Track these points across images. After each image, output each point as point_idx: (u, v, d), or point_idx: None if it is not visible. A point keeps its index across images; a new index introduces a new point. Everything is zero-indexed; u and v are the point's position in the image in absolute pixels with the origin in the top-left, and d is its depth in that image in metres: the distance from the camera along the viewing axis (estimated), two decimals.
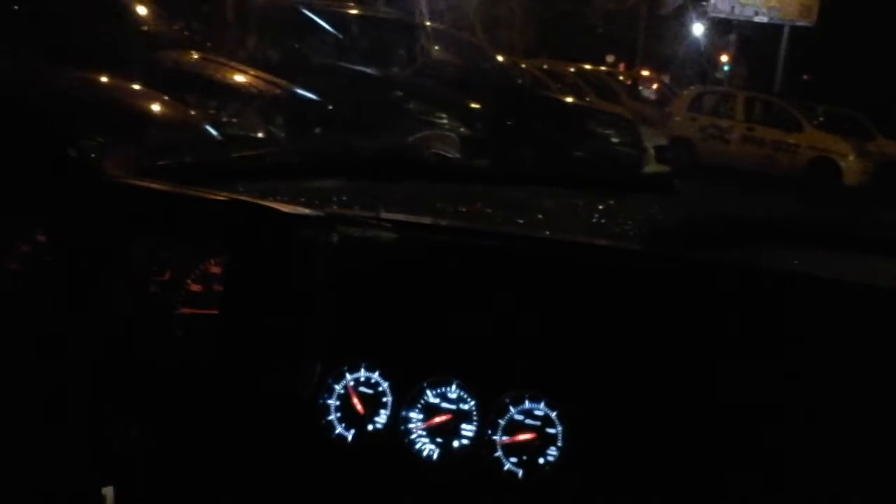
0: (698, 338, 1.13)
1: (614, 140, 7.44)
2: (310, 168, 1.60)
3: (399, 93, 6.21)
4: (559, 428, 1.11)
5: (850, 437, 1.06)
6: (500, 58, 9.59)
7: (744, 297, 1.15)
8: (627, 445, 1.10)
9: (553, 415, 1.12)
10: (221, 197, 1.21)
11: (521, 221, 1.51)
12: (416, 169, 1.56)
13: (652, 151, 7.79)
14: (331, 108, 5.04)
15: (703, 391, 1.11)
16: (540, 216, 1.64)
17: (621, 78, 14.13)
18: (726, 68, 14.90)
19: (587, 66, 13.51)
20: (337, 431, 1.17)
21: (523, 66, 11.01)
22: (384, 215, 1.28)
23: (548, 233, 1.45)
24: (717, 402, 1.10)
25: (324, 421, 1.17)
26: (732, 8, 14.92)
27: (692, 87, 13.73)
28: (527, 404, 1.13)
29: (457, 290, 1.20)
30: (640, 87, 14.00)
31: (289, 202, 1.25)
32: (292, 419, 1.17)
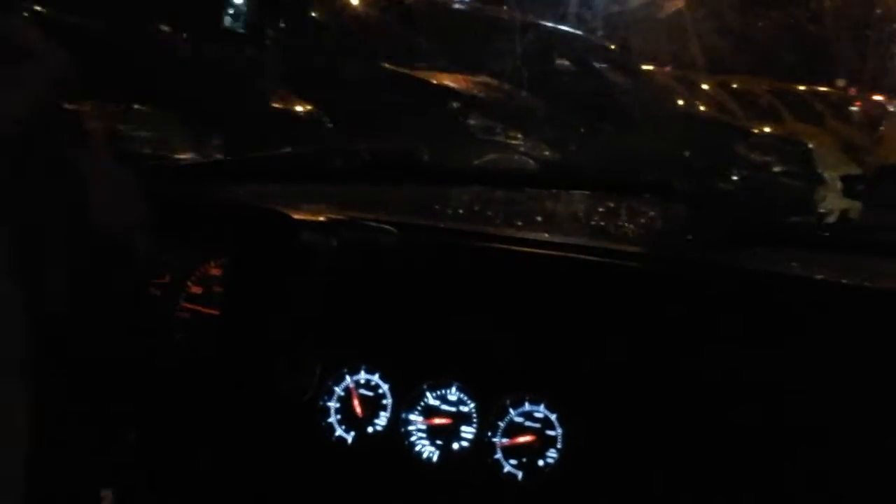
0: (698, 340, 1.13)
1: (777, 168, 6.62)
2: (310, 170, 1.60)
3: (457, 104, 5.58)
4: (559, 430, 1.11)
5: (852, 439, 1.06)
6: (647, 68, 8.80)
7: (744, 300, 1.15)
8: (627, 447, 1.10)
9: (553, 417, 1.12)
10: (222, 199, 1.21)
11: (521, 224, 1.52)
12: (417, 171, 1.56)
13: (837, 183, 6.34)
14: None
15: (703, 393, 1.11)
16: (539, 218, 1.64)
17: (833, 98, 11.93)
18: None
19: (798, 87, 11.64)
20: (337, 433, 1.17)
21: (702, 84, 9.69)
22: (385, 217, 1.28)
23: (547, 235, 1.45)
24: (717, 404, 1.10)
25: (324, 423, 1.17)
26: None
27: None
28: (527, 406, 1.13)
29: (457, 292, 1.20)
30: (853, 109, 11.87)
31: (289, 205, 1.25)
32: (292, 421, 1.17)
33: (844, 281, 1.18)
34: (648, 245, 1.32)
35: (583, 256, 1.26)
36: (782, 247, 1.33)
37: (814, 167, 6.95)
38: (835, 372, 1.08)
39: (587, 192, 1.68)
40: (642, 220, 1.53)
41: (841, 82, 11.36)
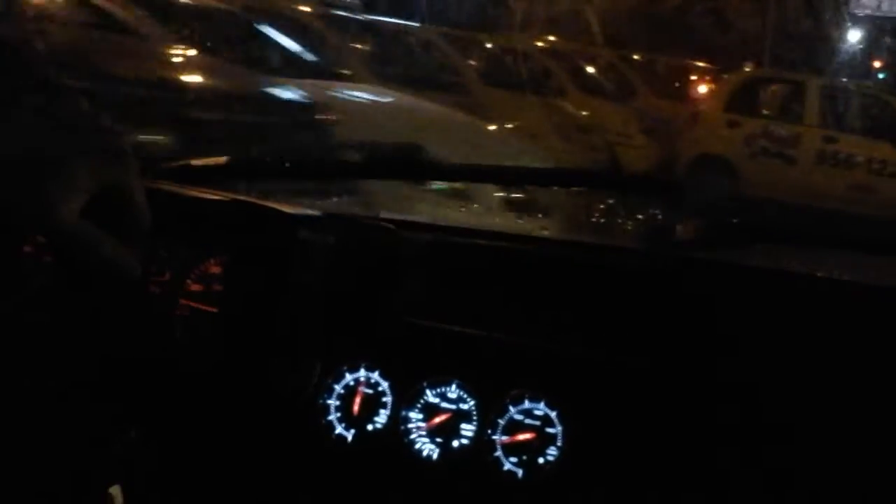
0: (699, 338, 1.13)
1: None
2: (309, 168, 1.60)
3: None
4: (559, 428, 1.11)
5: (852, 439, 1.06)
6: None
7: (745, 298, 1.15)
8: (627, 445, 1.10)
9: (553, 414, 1.12)
10: (221, 197, 1.21)
11: (521, 221, 1.52)
12: (415, 168, 1.56)
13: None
14: None
15: (703, 392, 1.11)
16: (540, 215, 1.65)
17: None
18: (881, 76, 12.14)
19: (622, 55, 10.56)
20: (337, 431, 1.17)
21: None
22: (384, 215, 1.28)
23: (548, 232, 1.45)
24: (717, 402, 1.10)
25: (323, 421, 1.17)
26: (879, 4, 12.10)
27: (732, 73, 9.81)
28: (526, 404, 1.13)
29: (456, 289, 1.20)
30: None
31: (288, 202, 1.25)
32: (292, 419, 1.17)
33: (848, 279, 1.18)
34: (648, 242, 1.32)
35: (583, 254, 1.26)
36: (782, 245, 1.33)
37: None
38: (836, 370, 1.08)
39: (588, 191, 1.69)
40: (643, 218, 1.53)
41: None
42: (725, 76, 9.96)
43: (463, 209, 1.56)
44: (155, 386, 1.15)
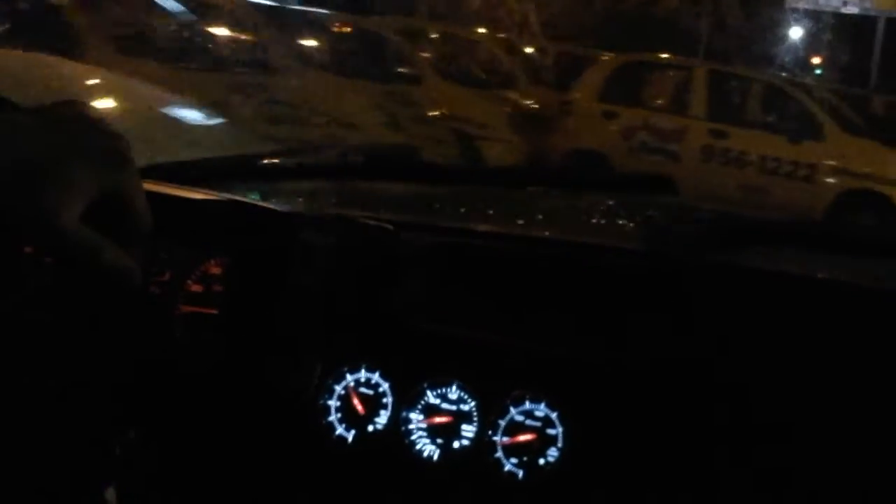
0: (698, 339, 1.13)
1: None
2: (308, 169, 1.60)
3: None
4: (559, 429, 1.11)
5: (852, 440, 1.06)
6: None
7: (744, 299, 1.15)
8: (628, 446, 1.10)
9: (553, 416, 1.12)
10: (221, 198, 1.21)
11: (521, 222, 1.52)
12: (416, 169, 1.56)
13: None
14: None
15: (703, 393, 1.11)
16: (540, 216, 1.65)
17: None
18: (818, 72, 11.88)
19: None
20: (337, 432, 1.17)
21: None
22: (384, 216, 1.28)
23: (547, 233, 1.45)
24: (717, 403, 1.10)
25: (324, 422, 1.17)
26: None
27: (608, 58, 8.76)
28: (527, 405, 1.13)
29: (456, 290, 1.20)
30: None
31: (288, 203, 1.25)
32: (292, 420, 1.17)
33: (847, 280, 1.18)
34: (648, 243, 1.32)
35: (583, 255, 1.26)
36: (782, 246, 1.34)
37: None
38: (835, 372, 1.08)
39: (588, 191, 1.69)
40: (642, 219, 1.53)
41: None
42: (600, 60, 8.80)
43: (463, 209, 1.56)
44: (155, 386, 1.15)
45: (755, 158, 7.17)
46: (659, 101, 8.11)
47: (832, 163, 7.07)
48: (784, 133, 7.31)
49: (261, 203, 1.20)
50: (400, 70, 7.51)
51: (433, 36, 8.61)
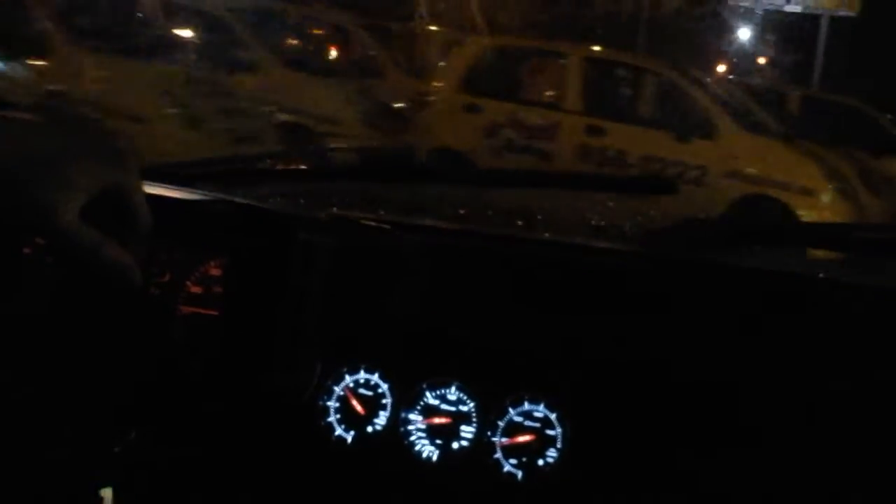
0: (699, 339, 1.13)
1: None
2: (308, 170, 1.60)
3: None
4: (559, 429, 1.11)
5: (852, 441, 1.06)
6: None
7: (743, 299, 1.15)
8: (627, 447, 1.10)
9: (552, 416, 1.12)
10: (221, 198, 1.21)
11: (521, 223, 1.52)
12: (416, 170, 1.56)
13: None
14: None
15: (703, 393, 1.11)
16: (540, 217, 1.65)
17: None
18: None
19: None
20: (337, 433, 1.17)
21: None
22: (384, 216, 1.28)
23: (547, 234, 1.45)
24: (717, 403, 1.10)
25: (323, 422, 1.17)
26: None
27: (468, 43, 7.43)
28: (526, 406, 1.13)
29: (456, 291, 1.20)
30: None
31: (288, 204, 1.25)
32: (292, 421, 1.17)
33: (848, 280, 1.18)
34: (648, 244, 1.32)
35: (582, 255, 1.26)
36: (783, 245, 1.34)
37: None
38: (837, 372, 1.08)
39: (587, 192, 1.68)
40: (642, 220, 1.53)
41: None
42: (460, 46, 7.47)
43: (463, 210, 1.56)
44: (155, 387, 1.15)
45: (636, 159, 6.27)
46: (528, 93, 7.06)
47: (727, 164, 6.20)
48: (672, 130, 6.39)
49: (261, 203, 1.20)
50: (235, 56, 6.35)
51: (282, 18, 7.30)
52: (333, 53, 7.45)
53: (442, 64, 7.33)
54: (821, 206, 5.93)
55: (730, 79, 9.05)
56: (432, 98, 6.87)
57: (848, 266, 1.27)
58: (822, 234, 1.38)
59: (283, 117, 5.92)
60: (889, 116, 8.25)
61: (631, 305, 1.16)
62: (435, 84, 7.00)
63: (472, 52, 7.21)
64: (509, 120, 6.58)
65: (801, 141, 6.52)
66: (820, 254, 1.38)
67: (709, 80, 7.54)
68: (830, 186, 6.09)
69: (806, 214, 5.63)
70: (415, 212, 1.38)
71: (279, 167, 1.57)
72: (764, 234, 1.35)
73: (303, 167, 1.58)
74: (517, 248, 1.27)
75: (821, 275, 1.19)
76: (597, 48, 7.42)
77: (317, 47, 7.44)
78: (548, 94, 7.01)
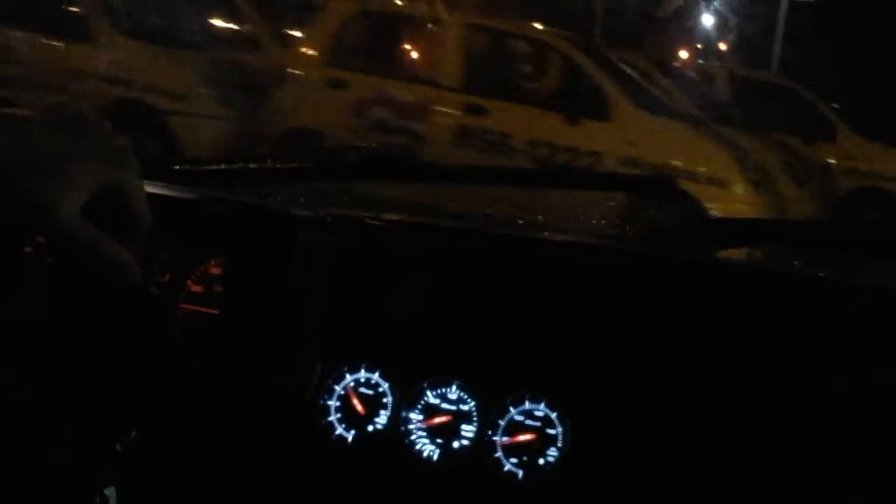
0: (698, 339, 1.13)
1: None
2: (308, 170, 1.59)
3: None
4: (559, 429, 1.11)
5: (852, 441, 1.06)
6: None
7: (743, 299, 1.15)
8: (628, 446, 1.10)
9: (553, 415, 1.12)
10: (221, 198, 1.21)
11: (522, 222, 1.52)
12: (417, 169, 1.56)
13: None
14: None
15: (703, 392, 1.11)
16: (540, 217, 1.65)
17: None
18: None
19: None
20: (337, 432, 1.17)
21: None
22: (384, 216, 1.28)
23: (547, 234, 1.45)
24: (717, 402, 1.10)
25: (324, 422, 1.17)
26: None
27: (332, 8, 6.44)
28: (527, 405, 1.13)
29: (457, 290, 1.20)
30: None
31: (289, 203, 1.25)
32: (292, 420, 1.17)
33: (849, 280, 1.18)
34: (648, 243, 1.32)
35: (582, 255, 1.26)
36: (783, 245, 1.34)
37: None
38: (837, 372, 1.08)
39: (587, 192, 1.69)
40: (642, 219, 1.53)
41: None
42: (323, 10, 6.46)
43: (463, 210, 1.56)
44: (155, 386, 1.15)
45: (521, 143, 5.60)
46: (402, 67, 6.28)
47: (624, 151, 5.53)
48: (562, 112, 5.68)
49: (261, 203, 1.20)
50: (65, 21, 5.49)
51: None
52: (201, 24, 6.36)
53: (301, 34, 6.31)
54: (731, 198, 5.45)
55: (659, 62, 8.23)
56: (296, 72, 5.99)
57: (848, 266, 1.27)
58: (822, 233, 1.38)
59: (119, 92, 5.29)
60: (834, 105, 7.86)
61: (632, 305, 1.16)
62: (298, 56, 6.11)
63: (336, 18, 6.28)
64: (380, 97, 5.83)
65: (717, 126, 5.95)
66: (820, 254, 1.38)
67: (615, 57, 6.67)
68: (745, 177, 5.56)
69: (713, 207, 5.06)
70: (415, 211, 1.37)
71: (279, 166, 1.56)
72: (765, 233, 1.35)
73: (303, 167, 1.58)
74: (517, 247, 1.27)
75: (821, 275, 1.19)
76: (475, 17, 6.51)
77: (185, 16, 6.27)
78: (424, 67, 6.19)
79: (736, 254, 1.28)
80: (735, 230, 1.35)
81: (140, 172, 0.75)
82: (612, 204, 1.67)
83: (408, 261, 1.22)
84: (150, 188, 0.81)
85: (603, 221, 1.59)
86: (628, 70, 6.39)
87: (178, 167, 1.46)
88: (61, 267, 1.03)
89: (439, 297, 1.20)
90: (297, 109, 5.75)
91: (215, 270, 1.15)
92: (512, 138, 5.64)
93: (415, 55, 6.31)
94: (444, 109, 5.80)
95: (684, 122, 5.89)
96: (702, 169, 5.47)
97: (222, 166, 1.50)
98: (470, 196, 1.69)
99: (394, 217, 1.28)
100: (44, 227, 0.67)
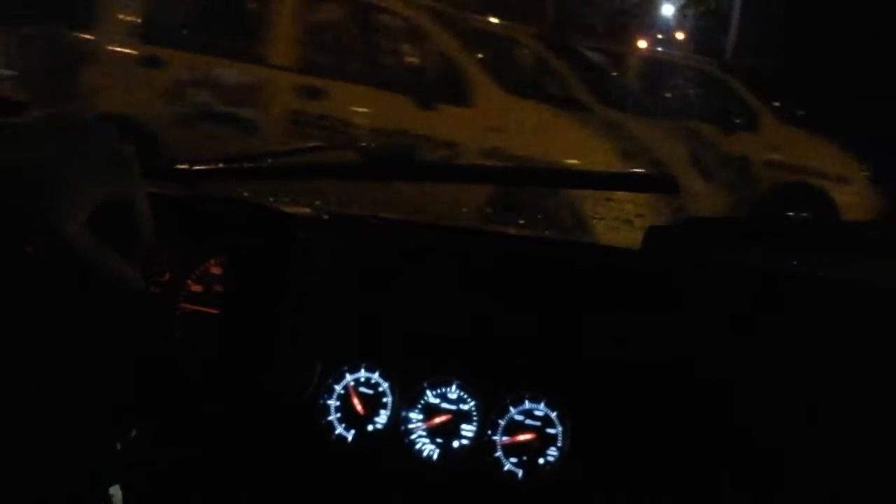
0: (698, 338, 1.13)
1: None
2: (308, 168, 1.59)
3: None
4: (559, 428, 1.11)
5: (852, 441, 1.06)
6: None
7: (743, 298, 1.15)
8: (628, 446, 1.10)
9: (553, 415, 1.12)
10: (221, 197, 1.21)
11: (522, 222, 1.52)
12: (417, 168, 1.56)
13: None
14: None
15: (703, 392, 1.11)
16: (540, 216, 1.65)
17: None
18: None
19: None
20: (337, 432, 1.17)
21: None
22: (384, 215, 1.28)
23: (548, 232, 1.45)
24: (717, 402, 1.10)
25: (324, 421, 1.17)
26: None
27: None
28: (527, 404, 1.13)
29: (457, 290, 1.20)
30: None
31: (288, 202, 1.25)
32: (292, 420, 1.17)
33: (847, 280, 1.18)
34: (647, 243, 1.32)
35: (582, 254, 1.26)
36: (781, 245, 1.34)
37: None
38: (837, 372, 1.08)
39: (587, 191, 1.69)
40: (642, 218, 1.53)
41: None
42: None
43: (464, 209, 1.56)
44: (155, 386, 1.15)
45: (365, 131, 4.84)
46: (226, 43, 5.28)
47: (486, 140, 4.71)
48: (415, 95, 4.88)
49: (261, 203, 1.20)
50: None
51: None
52: None
53: (113, 4, 5.35)
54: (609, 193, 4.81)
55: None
56: (107, 48, 5.15)
57: (848, 266, 1.27)
58: (822, 233, 1.38)
59: None
60: (761, 93, 7.04)
61: (632, 305, 1.16)
62: (107, 30, 5.21)
63: None
64: (200, 77, 5.06)
65: (612, 113, 5.22)
66: (820, 253, 1.38)
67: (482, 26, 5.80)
68: (630, 168, 4.66)
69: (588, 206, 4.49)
70: (415, 211, 1.38)
71: (279, 166, 1.56)
72: (764, 233, 1.35)
73: (303, 166, 1.58)
74: (518, 246, 1.27)
75: (820, 275, 1.19)
76: None
77: None
78: (253, 43, 5.24)
79: (736, 254, 1.27)
80: (735, 230, 1.34)
81: (144, 182, 0.75)
82: (613, 202, 1.67)
83: (408, 260, 1.22)
84: (150, 188, 0.81)
85: (602, 221, 1.59)
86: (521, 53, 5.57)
87: (178, 167, 1.46)
88: (63, 270, 1.03)
89: (439, 296, 1.20)
90: (107, 91, 4.92)
91: (215, 270, 1.16)
92: (354, 126, 4.84)
93: (244, 28, 5.44)
94: (275, 92, 4.96)
95: (564, 109, 5.06)
96: (573, 161, 4.56)
97: (222, 166, 1.50)
98: (471, 196, 1.69)
99: (394, 217, 1.28)
100: (47, 237, 0.67)
